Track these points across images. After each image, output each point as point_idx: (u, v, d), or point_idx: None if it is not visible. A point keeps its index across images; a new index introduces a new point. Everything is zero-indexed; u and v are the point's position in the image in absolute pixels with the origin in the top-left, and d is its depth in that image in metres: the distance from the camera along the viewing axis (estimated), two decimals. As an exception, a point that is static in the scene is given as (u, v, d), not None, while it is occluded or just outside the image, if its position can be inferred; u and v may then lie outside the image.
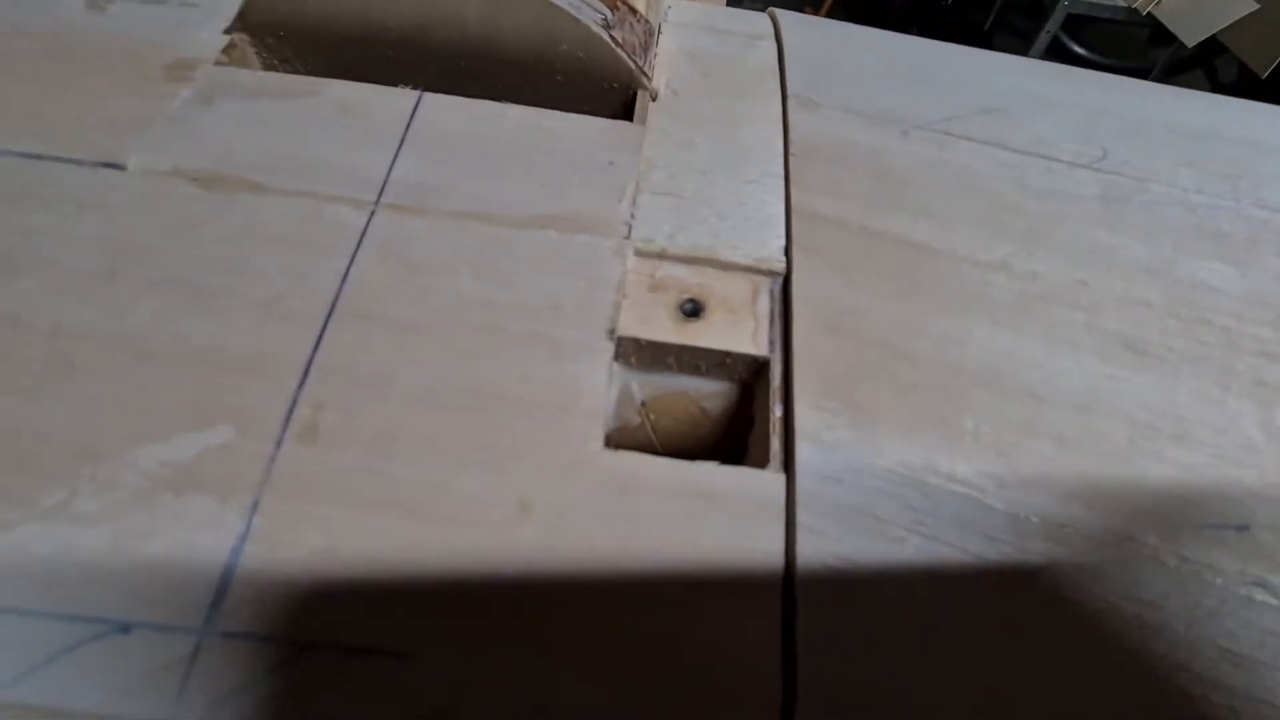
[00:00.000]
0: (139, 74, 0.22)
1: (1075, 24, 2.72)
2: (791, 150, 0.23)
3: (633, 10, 0.24)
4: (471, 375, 0.17)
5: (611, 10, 0.24)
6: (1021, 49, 2.14)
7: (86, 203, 0.19)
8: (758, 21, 0.30)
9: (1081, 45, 2.88)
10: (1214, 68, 2.13)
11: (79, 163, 0.20)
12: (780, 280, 0.20)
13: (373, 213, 0.20)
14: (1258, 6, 1.39)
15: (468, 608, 0.14)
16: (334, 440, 0.16)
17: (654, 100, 0.24)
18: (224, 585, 0.14)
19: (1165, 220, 0.22)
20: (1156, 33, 2.05)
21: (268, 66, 0.25)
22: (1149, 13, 1.60)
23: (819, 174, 0.23)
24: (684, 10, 0.30)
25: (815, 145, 0.23)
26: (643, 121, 0.23)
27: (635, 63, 0.24)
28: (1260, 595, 0.15)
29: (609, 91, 0.25)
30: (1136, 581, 0.15)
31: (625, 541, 0.16)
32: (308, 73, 0.25)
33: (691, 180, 0.22)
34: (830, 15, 3.09)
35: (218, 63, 0.23)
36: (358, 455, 0.16)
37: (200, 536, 0.15)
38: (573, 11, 0.23)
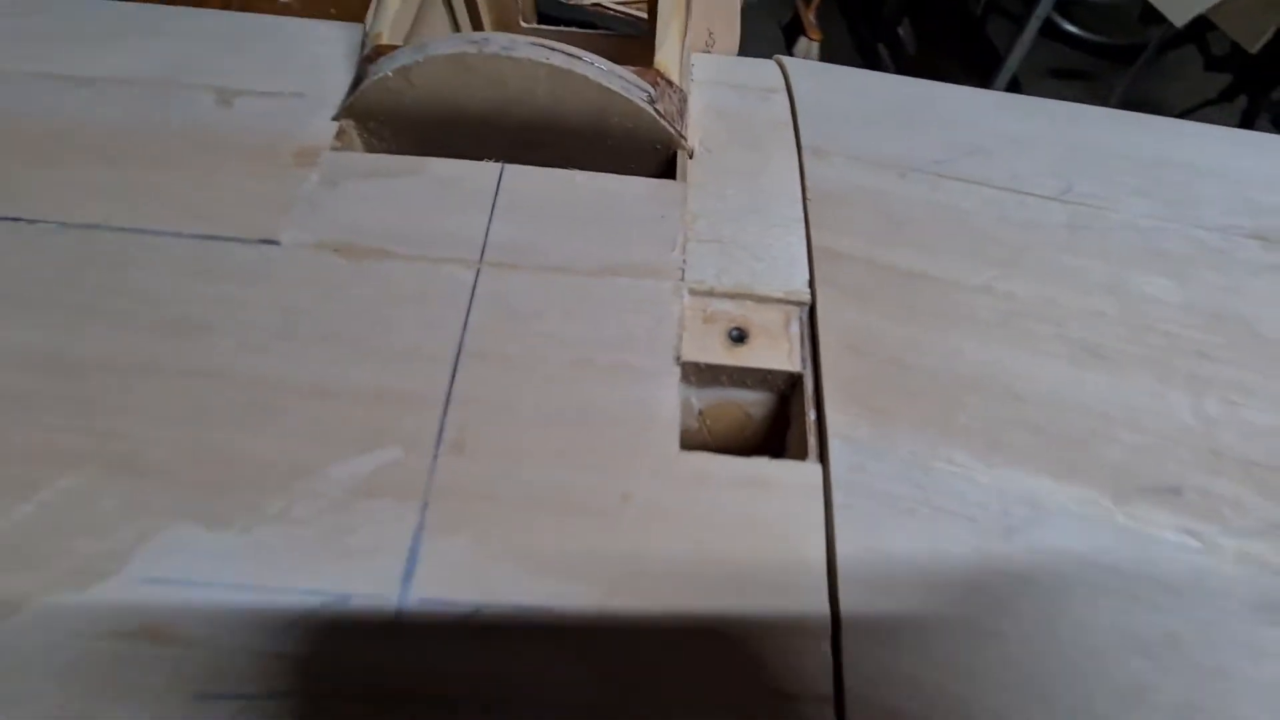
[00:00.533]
0: (273, 161, 0.27)
1: (1067, 2, 2.73)
2: (808, 196, 0.28)
3: (670, 83, 0.29)
4: (574, 398, 0.22)
5: (653, 86, 0.29)
6: (1014, 32, 2.15)
7: (256, 274, 0.24)
8: (769, 73, 0.35)
9: (1074, 24, 2.89)
10: (1206, 42, 2.15)
11: (243, 241, 0.25)
12: (807, 309, 0.25)
13: (479, 270, 0.25)
14: (1244, -15, 1.42)
15: (594, 571, 0.19)
16: (477, 453, 0.21)
17: (691, 158, 0.29)
18: (411, 565, 0.19)
19: (1119, 243, 0.26)
20: (1148, 9, 2.06)
21: (368, 147, 0.30)
22: (1138, -6, 1.63)
23: (832, 215, 0.27)
24: (703, 65, 0.35)
25: (827, 191, 0.28)
26: (683, 178, 0.28)
27: (675, 128, 0.29)
28: (1190, 541, 0.20)
29: (654, 152, 0.29)
30: (1094, 535, 0.20)
31: (701, 521, 0.21)
32: (400, 150, 0.30)
33: (728, 227, 0.27)
34: (821, 7, 3.10)
35: (333, 148, 0.28)
36: (497, 464, 0.21)
37: (388, 529, 0.20)
38: (623, 92, 0.27)
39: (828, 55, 2.92)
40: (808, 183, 0.28)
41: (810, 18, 3.00)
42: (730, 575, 0.20)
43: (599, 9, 0.69)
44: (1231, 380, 0.23)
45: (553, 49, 0.27)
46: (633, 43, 0.49)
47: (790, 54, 2.68)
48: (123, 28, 0.34)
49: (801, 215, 0.27)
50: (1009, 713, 0.18)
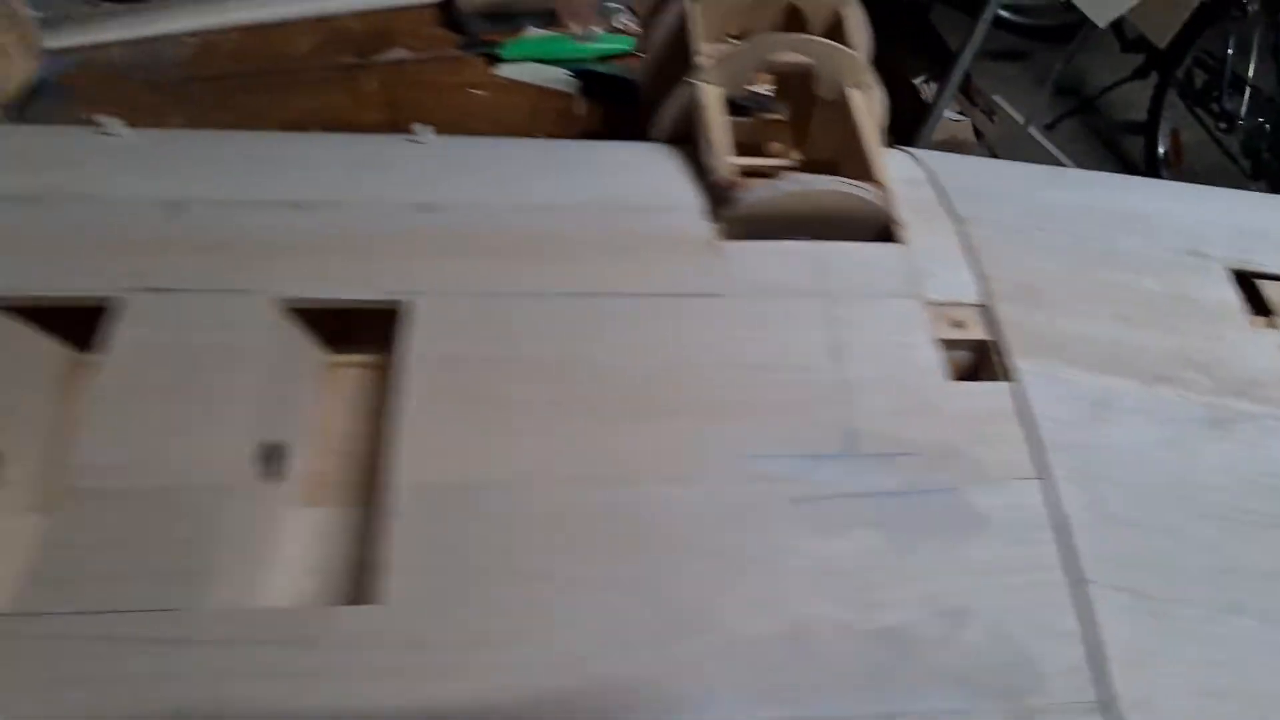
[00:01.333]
0: (690, 248, 0.50)
1: (1003, -9, 2.98)
2: (967, 246, 0.53)
3: (885, 185, 0.53)
4: (902, 361, 0.46)
5: (879, 188, 0.53)
6: (955, 18, 2.43)
7: (709, 315, 0.47)
8: (910, 165, 0.59)
9: (1005, 9, 3.19)
10: (1121, 28, 2.47)
11: (698, 295, 0.48)
12: (984, 308, 0.50)
13: (825, 301, 0.48)
14: (1152, -8, 1.72)
15: (927, 438, 0.44)
16: (868, 392, 0.45)
17: (899, 228, 0.54)
18: (851, 440, 0.43)
19: (1127, 260, 0.52)
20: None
21: (722, 235, 0.53)
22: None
23: (983, 256, 0.52)
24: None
25: (974, 244, 0.53)
26: (902, 242, 0.53)
27: (892, 214, 0.53)
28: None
29: (880, 227, 0.54)
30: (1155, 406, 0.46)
31: (969, 412, 0.45)
32: (738, 236, 0.53)
33: (933, 267, 0.51)
34: None
35: (717, 238, 0.51)
36: (884, 397, 0.45)
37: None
38: (873, 199, 0.52)
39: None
40: (962, 239, 0.53)
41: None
42: (983, 432, 0.45)
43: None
44: (1190, 326, 0.49)
45: (836, 179, 0.51)
46: (781, 124, 0.73)
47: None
48: (540, 164, 0.56)
49: (963, 257, 0.52)
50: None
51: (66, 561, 0.38)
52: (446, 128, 0.84)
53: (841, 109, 0.59)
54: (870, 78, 0.59)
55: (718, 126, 0.55)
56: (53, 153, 0.53)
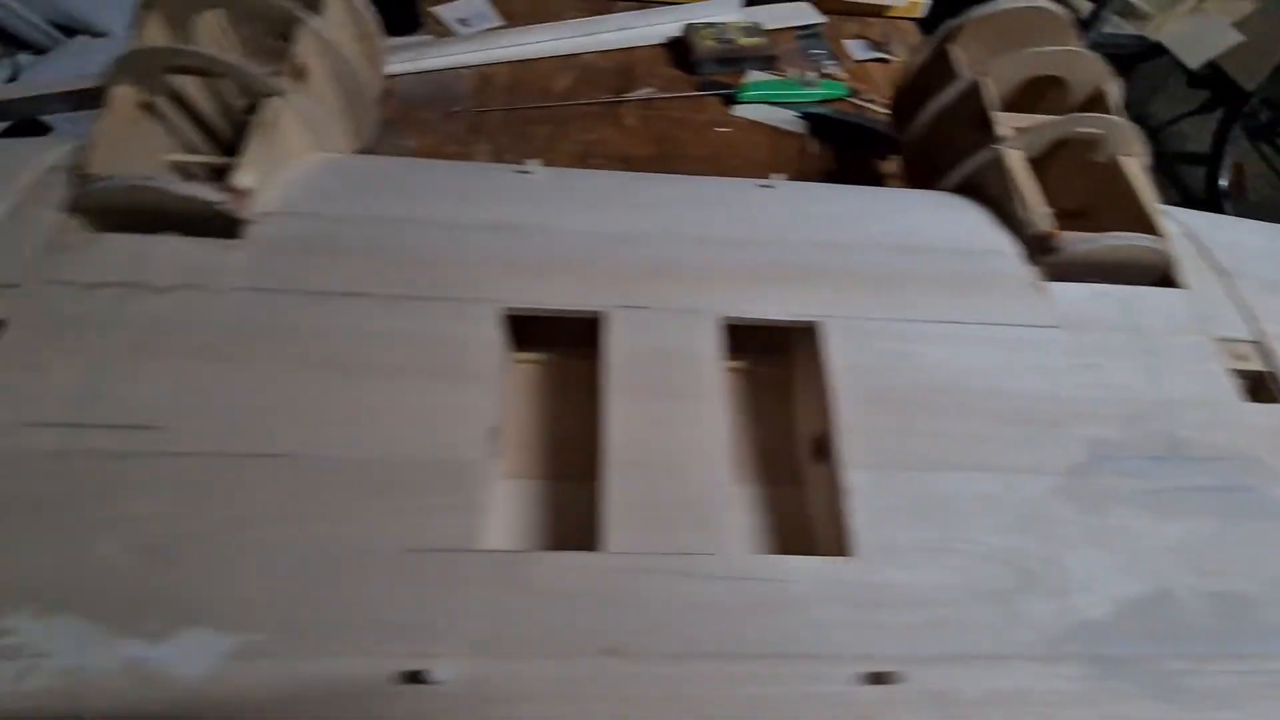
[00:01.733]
0: (1020, 286, 0.63)
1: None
2: (1231, 291, 0.65)
3: (1168, 240, 0.66)
4: (1200, 384, 0.59)
5: (1164, 238, 0.65)
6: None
7: (1037, 345, 0.60)
8: (1171, 221, 0.71)
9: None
10: (1193, 64, 2.58)
11: (1034, 326, 0.60)
12: (1259, 344, 0.62)
13: (1135, 336, 0.61)
14: (1244, 39, 1.85)
15: (1208, 440, 0.56)
16: (1160, 409, 0.58)
17: (1181, 276, 0.66)
18: (1176, 446, 0.56)
19: None
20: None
21: (1043, 278, 0.65)
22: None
23: (1249, 303, 0.64)
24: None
25: (1237, 289, 0.65)
26: (1184, 287, 0.65)
27: (1175, 264, 0.65)
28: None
29: (1159, 273, 0.66)
30: None
31: (1263, 428, 0.57)
32: (1054, 280, 0.65)
33: (1210, 309, 0.64)
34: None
35: (1040, 281, 0.63)
36: (1181, 413, 0.57)
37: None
38: (1165, 249, 0.64)
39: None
40: (1236, 287, 0.65)
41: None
42: (1274, 443, 0.57)
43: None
44: None
45: (1141, 236, 0.63)
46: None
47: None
48: (870, 210, 0.68)
49: (1233, 302, 0.65)
50: None
51: (621, 515, 0.50)
52: (705, 161, 0.96)
53: (1112, 171, 0.71)
54: (1141, 146, 0.71)
55: (1031, 186, 0.67)
56: (492, 188, 0.66)
